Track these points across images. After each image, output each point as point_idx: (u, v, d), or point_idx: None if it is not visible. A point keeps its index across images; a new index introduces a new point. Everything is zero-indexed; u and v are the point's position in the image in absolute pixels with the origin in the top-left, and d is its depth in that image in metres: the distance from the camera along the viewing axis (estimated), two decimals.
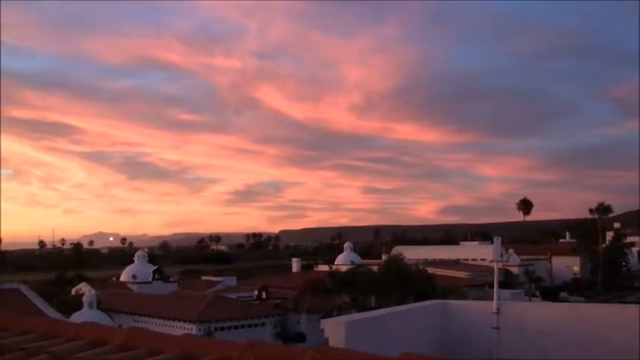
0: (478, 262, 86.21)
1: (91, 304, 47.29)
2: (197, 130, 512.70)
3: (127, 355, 5.09)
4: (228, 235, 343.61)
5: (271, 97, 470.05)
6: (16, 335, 6.10)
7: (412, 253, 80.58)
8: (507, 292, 29.68)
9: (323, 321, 8.78)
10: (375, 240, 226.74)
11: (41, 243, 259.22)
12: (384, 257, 77.30)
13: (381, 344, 9.04)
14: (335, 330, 8.51)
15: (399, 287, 49.68)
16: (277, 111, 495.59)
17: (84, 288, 65.89)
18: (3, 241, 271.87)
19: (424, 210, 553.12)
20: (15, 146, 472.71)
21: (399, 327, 10.40)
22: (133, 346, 5.35)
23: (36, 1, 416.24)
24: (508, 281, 73.99)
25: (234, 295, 63.61)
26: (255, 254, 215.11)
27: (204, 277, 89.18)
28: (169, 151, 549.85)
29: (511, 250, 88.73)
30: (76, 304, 50.13)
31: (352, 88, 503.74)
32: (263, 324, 54.07)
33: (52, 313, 36.67)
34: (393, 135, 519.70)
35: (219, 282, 77.47)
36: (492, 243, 13.50)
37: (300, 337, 53.70)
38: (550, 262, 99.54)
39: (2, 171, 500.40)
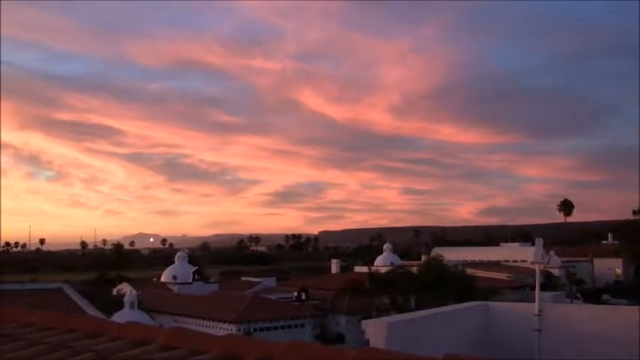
0: (518, 264, 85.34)
1: (132, 304, 47.72)
2: (237, 131, 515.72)
3: (170, 355, 5.13)
4: (268, 236, 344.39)
5: (310, 98, 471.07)
6: (62, 334, 6.19)
7: (452, 255, 79.95)
8: (548, 295, 29.41)
9: (364, 322, 8.79)
10: (414, 241, 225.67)
11: (83, 243, 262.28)
12: (424, 258, 76.91)
13: (422, 345, 9.01)
14: (376, 331, 8.50)
15: (438, 289, 49.36)
16: (316, 112, 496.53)
17: (125, 288, 66.43)
18: (47, 241, 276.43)
19: (464, 211, 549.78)
20: (58, 148, 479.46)
21: (440, 328, 10.36)
22: (175, 345, 5.40)
23: (77, 7, 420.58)
24: (549, 283, 73.10)
25: (273, 296, 63.76)
26: (295, 255, 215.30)
27: (243, 278, 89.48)
28: (209, 152, 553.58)
29: (552, 252, 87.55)
30: (118, 304, 50.62)
31: (391, 89, 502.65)
32: (302, 325, 54.10)
33: (94, 313, 37.04)
34: (432, 136, 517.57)
35: (259, 283, 77.66)
36: (533, 244, 13.35)
37: (340, 339, 53.66)
38: (592, 264, 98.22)
39: (47, 173, 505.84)
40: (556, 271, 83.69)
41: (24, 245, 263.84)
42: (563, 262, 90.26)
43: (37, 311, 7.31)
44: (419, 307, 42.54)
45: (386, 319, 10.05)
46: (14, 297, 35.71)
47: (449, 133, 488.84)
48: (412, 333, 9.30)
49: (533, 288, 57.99)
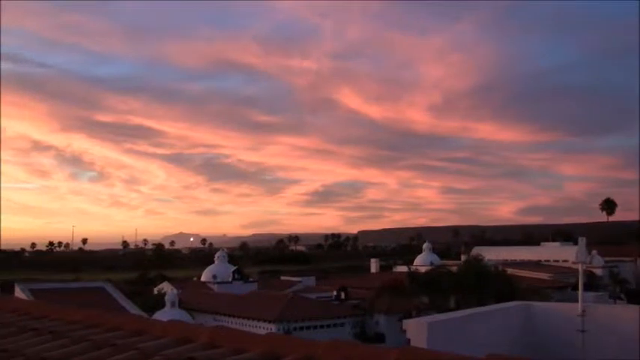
0: (560, 264, 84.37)
1: (173, 303, 48.10)
2: (275, 131, 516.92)
3: (212, 353, 5.17)
4: (307, 236, 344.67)
5: (348, 97, 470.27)
6: (106, 331, 6.27)
7: (492, 254, 78.93)
8: (591, 295, 29.08)
9: (405, 321, 8.77)
10: (453, 240, 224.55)
11: (124, 243, 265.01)
12: (463, 258, 76.43)
13: (463, 345, 8.96)
14: (417, 330, 8.48)
15: (478, 289, 49.03)
16: (355, 111, 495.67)
17: (166, 287, 67.02)
18: (89, 241, 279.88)
19: (504, 210, 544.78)
20: (99, 149, 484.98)
21: (481, 328, 10.30)
22: (218, 344, 5.44)
23: (117, 9, 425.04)
24: (591, 283, 72.19)
25: (313, 296, 63.86)
26: (334, 255, 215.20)
27: (283, 278, 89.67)
28: (248, 152, 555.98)
29: (594, 252, 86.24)
30: (158, 302, 51.08)
31: (430, 88, 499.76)
32: (342, 324, 54.08)
33: (136, 312, 37.41)
34: (472, 134, 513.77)
35: (298, 282, 77.81)
36: (574, 244, 13.20)
37: (379, 338, 53.56)
38: (636, 263, 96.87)
39: (89, 173, 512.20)
40: (599, 271, 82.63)
41: (67, 245, 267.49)
42: (605, 261, 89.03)
43: (80, 310, 7.41)
44: (458, 307, 42.30)
45: (427, 319, 10.02)
46: (58, 296, 36.25)
47: (489, 131, 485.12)
48: (453, 332, 9.25)
49: (575, 288, 57.41)
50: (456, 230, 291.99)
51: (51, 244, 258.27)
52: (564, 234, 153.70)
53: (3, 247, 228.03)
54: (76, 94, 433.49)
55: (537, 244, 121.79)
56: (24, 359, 5.69)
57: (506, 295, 36.73)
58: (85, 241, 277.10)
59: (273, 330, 47.69)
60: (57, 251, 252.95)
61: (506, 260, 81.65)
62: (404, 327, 8.67)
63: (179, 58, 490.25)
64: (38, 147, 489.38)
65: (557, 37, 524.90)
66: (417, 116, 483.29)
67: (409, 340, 8.44)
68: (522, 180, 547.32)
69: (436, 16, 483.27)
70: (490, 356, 4.09)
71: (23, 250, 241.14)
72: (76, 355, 5.56)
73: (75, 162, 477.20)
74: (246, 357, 4.95)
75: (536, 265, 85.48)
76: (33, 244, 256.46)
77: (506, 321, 11.32)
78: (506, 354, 4.32)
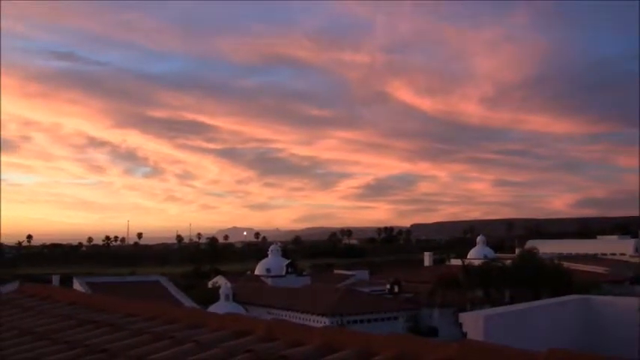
0: (617, 257, 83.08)
1: (227, 297, 48.55)
2: (327, 125, 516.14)
3: (270, 346, 5.19)
4: (360, 229, 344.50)
5: (401, 90, 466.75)
6: (164, 324, 6.34)
7: (547, 247, 78.35)
8: None
9: (461, 315, 8.70)
10: (507, 233, 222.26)
11: (179, 237, 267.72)
12: (518, 251, 75.63)
13: (520, 339, 8.85)
14: (474, 324, 8.41)
15: (533, 282, 48.49)
16: (407, 104, 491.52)
17: (220, 281, 67.55)
18: (144, 235, 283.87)
19: (558, 203, 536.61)
20: (153, 145, 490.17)
21: (539, 322, 10.17)
22: (275, 336, 5.46)
23: (169, 6, 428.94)
24: None
25: (366, 289, 63.75)
26: (387, 248, 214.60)
27: (336, 271, 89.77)
28: (300, 146, 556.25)
29: None
30: (213, 296, 51.55)
31: (483, 80, 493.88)
32: (395, 318, 53.85)
33: (190, 305, 37.82)
34: (525, 126, 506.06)
35: (352, 276, 77.80)
36: (632, 237, 12.95)
37: (433, 332, 53.28)
38: None
39: (143, 169, 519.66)
40: None
41: (123, 239, 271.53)
42: None
43: (138, 302, 7.50)
44: (513, 301, 41.89)
45: (484, 312, 9.92)
46: (115, 289, 36.80)
47: (542, 123, 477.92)
48: (510, 326, 9.15)
49: (633, 282, 56.34)
50: (509, 223, 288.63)
51: (107, 238, 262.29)
52: (622, 227, 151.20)
53: (61, 241, 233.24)
54: (130, 91, 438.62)
55: (594, 237, 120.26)
56: (85, 351, 5.78)
57: (562, 289, 36.26)
58: (140, 235, 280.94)
59: (327, 323, 47.76)
60: (113, 245, 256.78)
61: (562, 253, 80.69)
62: (460, 320, 8.60)
63: (231, 54, 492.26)
64: (94, 143, 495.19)
65: (615, 26, 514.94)
66: (470, 109, 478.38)
67: (466, 333, 8.37)
68: (577, 172, 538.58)
69: (488, 7, 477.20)
70: (551, 350, 4.03)
71: (80, 244, 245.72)
72: (135, 347, 5.63)
73: (129, 157, 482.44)
74: (304, 350, 4.96)
75: (593, 258, 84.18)
76: (90, 239, 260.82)
77: (564, 315, 11.16)
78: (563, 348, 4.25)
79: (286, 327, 5.62)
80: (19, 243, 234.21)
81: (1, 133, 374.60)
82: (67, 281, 51.39)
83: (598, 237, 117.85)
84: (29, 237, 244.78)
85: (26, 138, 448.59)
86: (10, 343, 6.46)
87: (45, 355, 5.80)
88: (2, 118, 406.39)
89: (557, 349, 4.07)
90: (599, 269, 74.06)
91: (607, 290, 50.47)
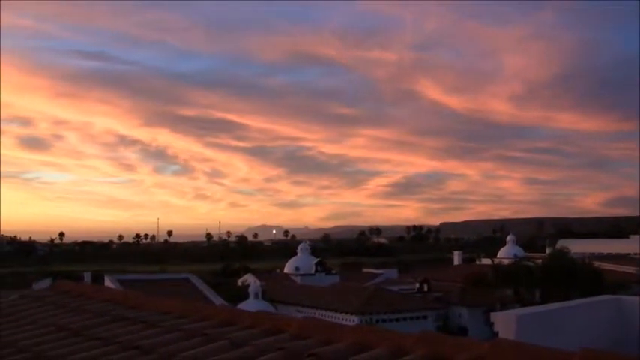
0: None
1: (256, 295, 48.73)
2: (355, 123, 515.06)
3: (302, 344, 5.20)
4: (389, 228, 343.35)
5: (429, 88, 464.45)
6: (196, 321, 6.38)
7: (577, 247, 77.68)
8: None
9: (493, 314, 8.67)
10: (537, 232, 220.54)
11: (208, 235, 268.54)
12: (548, 250, 75.12)
13: (552, 338, 8.81)
14: (506, 323, 8.37)
15: (564, 282, 48.14)
16: (435, 102, 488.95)
17: (249, 279, 67.75)
18: (174, 233, 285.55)
19: (589, 202, 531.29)
20: (182, 143, 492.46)
21: (571, 322, 10.10)
22: (307, 334, 5.47)
23: (197, 5, 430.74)
24: None
25: (395, 288, 63.68)
26: (416, 247, 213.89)
27: (365, 270, 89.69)
28: (329, 144, 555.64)
29: None
30: (242, 293, 51.76)
31: (511, 77, 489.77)
32: (425, 317, 53.76)
33: (220, 302, 37.98)
34: (554, 124, 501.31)
35: (380, 274, 77.73)
36: None
37: (463, 331, 53.10)
38: None
39: (173, 167, 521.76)
40: None
41: (153, 237, 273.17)
42: None
43: (170, 300, 7.57)
44: (544, 301, 41.62)
45: (516, 312, 9.88)
46: (145, 286, 37.04)
47: (572, 120, 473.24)
48: (542, 326, 9.10)
49: None
50: (539, 222, 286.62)
51: (137, 236, 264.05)
52: None
53: (92, 239, 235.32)
54: (159, 90, 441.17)
55: (625, 236, 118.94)
56: (119, 347, 5.84)
57: (594, 289, 35.99)
58: (170, 233, 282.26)
59: (356, 322, 47.75)
60: (143, 243, 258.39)
61: (593, 253, 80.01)
62: (492, 319, 8.57)
63: (259, 53, 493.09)
64: (124, 142, 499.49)
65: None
66: (498, 106, 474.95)
67: (497, 332, 8.33)
68: (607, 170, 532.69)
69: (516, 5, 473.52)
70: (584, 350, 4.01)
71: (111, 241, 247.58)
72: (167, 343, 5.68)
73: (159, 156, 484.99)
74: (335, 348, 4.97)
75: (624, 258, 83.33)
76: (120, 236, 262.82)
77: (596, 315, 11.07)
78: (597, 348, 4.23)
79: (318, 325, 5.63)
80: (52, 240, 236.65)
81: (33, 131, 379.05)
82: (98, 278, 51.90)
83: (630, 236, 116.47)
84: (61, 234, 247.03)
85: (58, 137, 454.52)
86: (46, 339, 6.55)
87: (80, 350, 5.87)
88: (34, 117, 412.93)
89: (591, 348, 4.05)
90: (631, 269, 73.30)
91: (638, 290, 49.99)
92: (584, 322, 10.56)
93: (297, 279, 75.09)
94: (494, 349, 4.31)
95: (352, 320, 48.35)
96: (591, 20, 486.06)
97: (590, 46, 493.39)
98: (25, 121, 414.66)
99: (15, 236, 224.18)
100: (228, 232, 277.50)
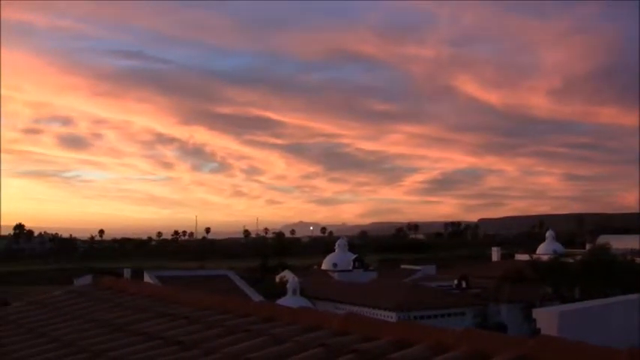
0: None
1: (294, 291, 48.78)
2: (393, 119, 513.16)
3: (343, 340, 5.21)
4: (426, 224, 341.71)
5: (467, 84, 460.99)
6: (237, 317, 6.42)
7: (619, 243, 76.71)
8: None
9: (535, 311, 8.61)
10: (577, 228, 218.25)
11: (246, 232, 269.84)
12: (588, 247, 74.35)
13: (595, 336, 8.71)
14: (548, 320, 8.30)
15: (604, 279, 47.54)
16: (473, 98, 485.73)
17: (287, 275, 67.91)
18: (212, 230, 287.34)
19: (631, 197, 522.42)
20: (220, 141, 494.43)
21: (615, 319, 9.98)
22: (348, 330, 5.48)
23: (233, 3, 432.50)
24: None
25: (433, 284, 63.44)
26: (454, 243, 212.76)
27: (403, 266, 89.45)
28: (366, 141, 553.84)
29: None
30: (280, 290, 51.90)
31: (551, 72, 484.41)
32: (463, 313, 53.44)
33: (258, 299, 38.14)
34: (594, 119, 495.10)
35: (418, 271, 77.45)
36: None
37: (501, 328, 52.70)
38: None
39: (210, 165, 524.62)
40: None
41: (191, 234, 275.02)
42: None
43: (212, 296, 7.62)
44: (584, 298, 41.17)
45: (558, 308, 9.80)
46: (184, 283, 37.36)
47: (613, 115, 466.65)
48: (585, 323, 9.01)
49: None
50: (579, 218, 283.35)
51: (176, 233, 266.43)
52: None
53: (132, 236, 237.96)
54: (196, 88, 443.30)
55: None
56: (161, 342, 5.91)
57: (635, 286, 35.49)
58: (208, 230, 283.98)
59: (394, 319, 47.62)
60: (182, 240, 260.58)
61: (635, 249, 78.93)
62: (534, 316, 8.51)
63: (296, 50, 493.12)
64: (162, 140, 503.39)
65: None
66: (537, 101, 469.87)
67: (539, 329, 8.27)
68: None
69: None
70: (632, 349, 3.97)
71: (150, 238, 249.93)
72: (210, 339, 5.73)
73: (197, 153, 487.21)
74: (378, 344, 4.97)
75: None
76: (159, 233, 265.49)
77: (638, 313, 10.92)
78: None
79: (359, 321, 5.64)
80: (92, 237, 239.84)
81: (73, 130, 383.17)
82: (137, 275, 52.38)
83: None
84: (101, 232, 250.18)
85: (97, 135, 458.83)
86: (88, 334, 6.64)
87: (123, 346, 5.95)
88: (74, 116, 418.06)
89: (638, 348, 4.01)
90: None
91: None
92: (625, 319, 10.43)
93: (335, 275, 75.13)
94: (538, 347, 4.28)
95: (390, 317, 48.25)
96: (633, 13, 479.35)
97: (631, 38, 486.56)
98: (65, 121, 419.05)
99: (56, 234, 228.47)
100: (266, 229, 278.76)
